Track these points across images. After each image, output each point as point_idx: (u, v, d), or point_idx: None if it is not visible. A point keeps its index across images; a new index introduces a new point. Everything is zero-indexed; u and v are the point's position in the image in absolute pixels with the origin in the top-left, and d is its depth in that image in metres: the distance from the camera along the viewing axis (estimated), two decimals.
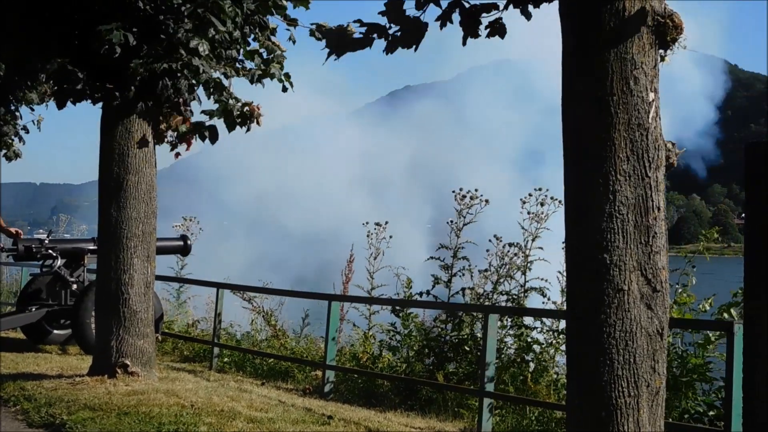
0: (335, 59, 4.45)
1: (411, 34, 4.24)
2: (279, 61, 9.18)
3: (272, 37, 9.19)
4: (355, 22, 4.41)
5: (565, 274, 3.99)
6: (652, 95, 3.76)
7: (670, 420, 6.77)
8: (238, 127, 9.08)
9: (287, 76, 9.28)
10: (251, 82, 9.09)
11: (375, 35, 4.32)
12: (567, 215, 3.94)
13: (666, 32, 3.76)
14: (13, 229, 11.27)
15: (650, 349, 3.73)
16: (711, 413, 7.08)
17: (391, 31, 4.31)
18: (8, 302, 15.51)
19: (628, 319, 3.71)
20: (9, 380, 8.22)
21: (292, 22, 9.28)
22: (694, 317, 7.52)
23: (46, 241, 11.15)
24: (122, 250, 8.27)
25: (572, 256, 3.89)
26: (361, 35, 4.35)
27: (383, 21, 4.35)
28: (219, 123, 8.98)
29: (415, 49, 4.38)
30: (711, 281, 8.11)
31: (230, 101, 8.79)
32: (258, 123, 9.08)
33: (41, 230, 13.00)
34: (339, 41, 4.33)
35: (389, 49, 4.31)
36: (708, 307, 7.53)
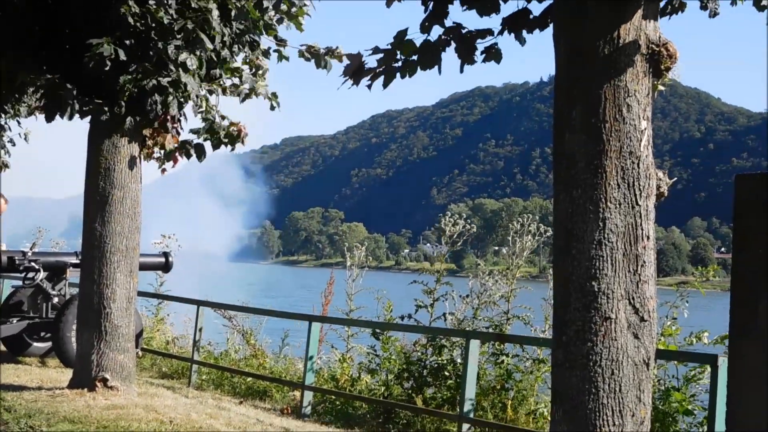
0: (351, 87, 4.41)
1: (428, 56, 4.20)
2: (264, 76, 9.24)
3: (260, 57, 9.23)
4: (374, 52, 4.32)
5: (551, 301, 3.96)
6: (644, 123, 3.77)
7: None
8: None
9: (274, 95, 9.35)
10: (240, 101, 9.15)
11: (396, 63, 4.27)
12: (555, 242, 3.93)
13: (660, 60, 3.78)
14: None
15: (636, 378, 3.73)
16: None
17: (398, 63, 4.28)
18: None
19: (614, 348, 3.70)
20: None
21: (282, 43, 9.34)
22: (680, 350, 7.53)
23: (29, 254, 11.06)
24: (105, 265, 8.23)
25: (560, 282, 3.89)
26: (377, 62, 4.29)
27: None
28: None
29: (439, 71, 4.32)
30: (693, 314, 8.11)
31: (217, 119, 8.85)
32: (243, 143, 9.11)
33: (25, 242, 12.87)
34: (357, 70, 4.29)
35: (408, 72, 4.25)
36: (695, 341, 7.54)
